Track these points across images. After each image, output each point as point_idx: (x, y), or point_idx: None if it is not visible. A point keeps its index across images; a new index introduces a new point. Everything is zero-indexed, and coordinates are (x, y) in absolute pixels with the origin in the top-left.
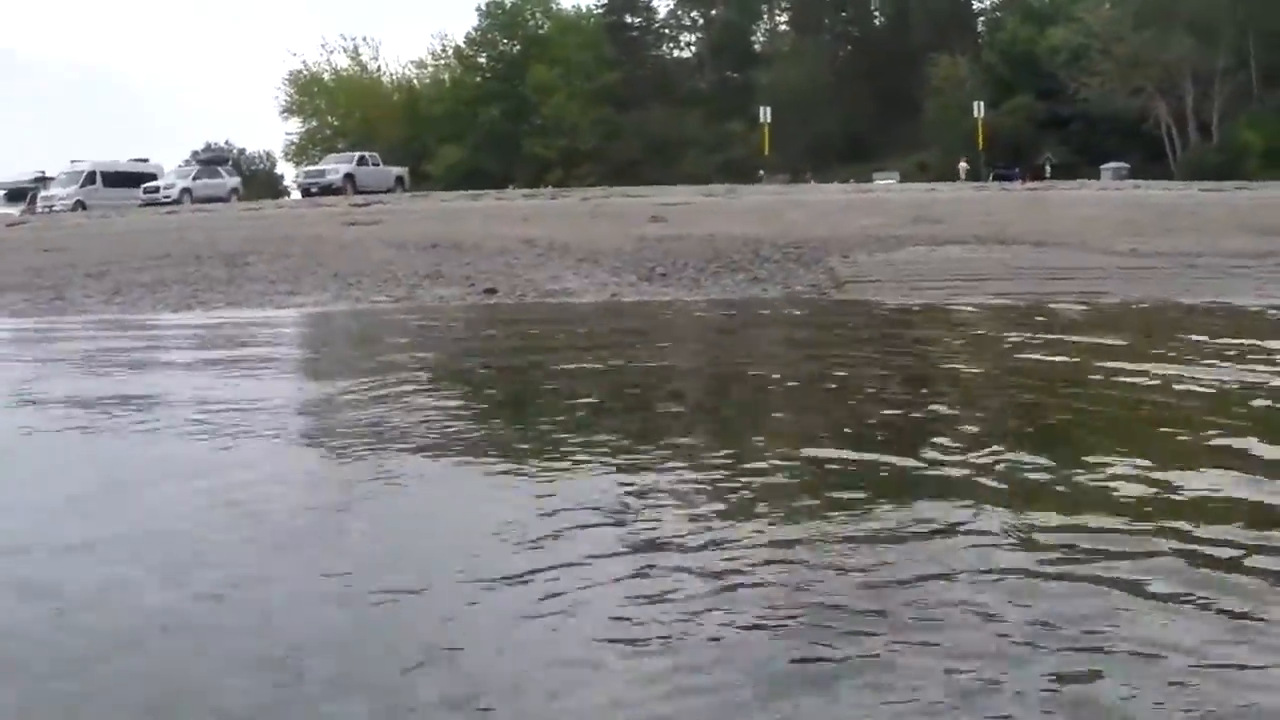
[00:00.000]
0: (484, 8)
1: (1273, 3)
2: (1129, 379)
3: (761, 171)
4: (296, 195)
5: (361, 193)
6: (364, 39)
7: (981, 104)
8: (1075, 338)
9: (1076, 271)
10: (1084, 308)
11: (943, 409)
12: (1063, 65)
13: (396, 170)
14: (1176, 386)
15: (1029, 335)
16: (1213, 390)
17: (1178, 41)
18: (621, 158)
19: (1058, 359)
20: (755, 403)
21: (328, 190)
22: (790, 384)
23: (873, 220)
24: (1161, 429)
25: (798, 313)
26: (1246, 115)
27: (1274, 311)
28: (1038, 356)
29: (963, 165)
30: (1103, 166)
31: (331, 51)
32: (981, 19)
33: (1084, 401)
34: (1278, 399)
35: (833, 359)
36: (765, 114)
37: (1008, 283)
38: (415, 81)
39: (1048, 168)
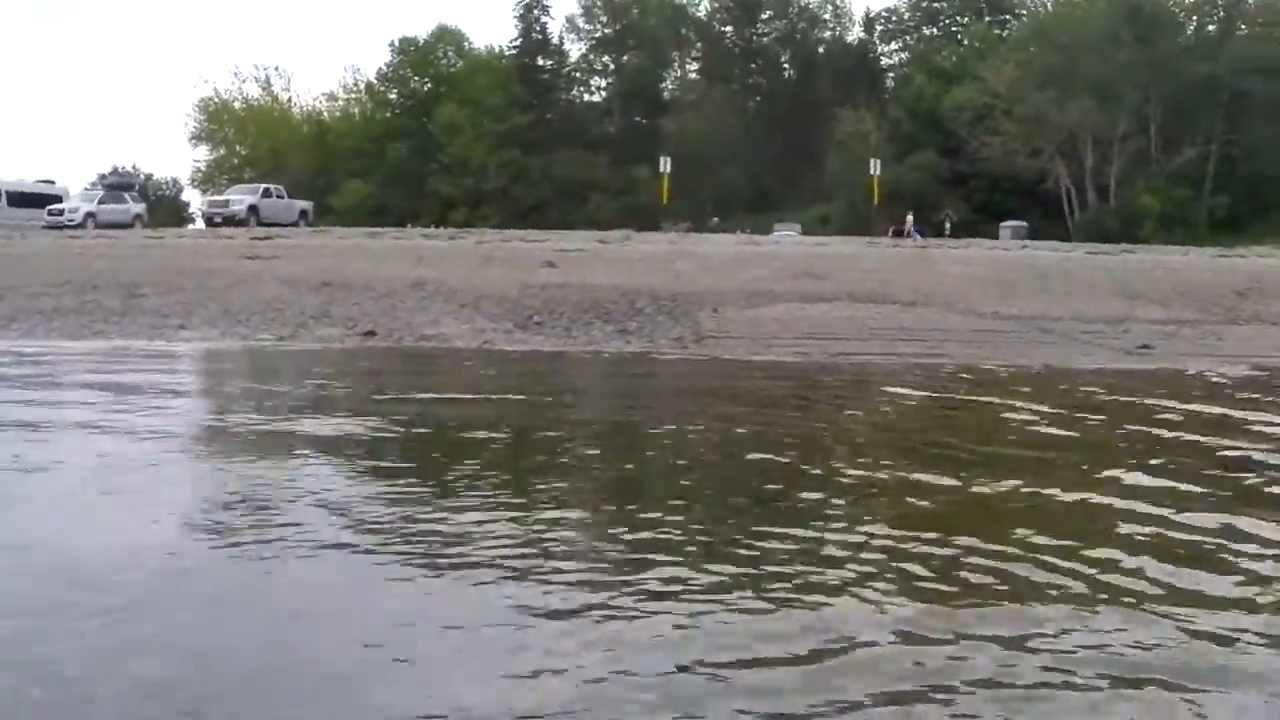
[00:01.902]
0: (396, 44)
1: (1174, 70)
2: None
3: (663, 223)
4: (201, 224)
5: (265, 225)
6: (276, 69)
7: (878, 162)
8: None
9: (930, 333)
10: (902, 370)
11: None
12: (966, 124)
13: (301, 204)
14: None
15: (827, 394)
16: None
17: (1079, 104)
18: (526, 200)
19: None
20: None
21: (231, 221)
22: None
23: (756, 274)
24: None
25: (636, 370)
26: (1144, 179)
27: (1088, 375)
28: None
29: (909, 218)
30: (1001, 225)
31: (244, 80)
32: (889, 74)
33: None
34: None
35: (643, 410)
36: (665, 164)
37: (858, 342)
38: (325, 114)
39: (948, 224)
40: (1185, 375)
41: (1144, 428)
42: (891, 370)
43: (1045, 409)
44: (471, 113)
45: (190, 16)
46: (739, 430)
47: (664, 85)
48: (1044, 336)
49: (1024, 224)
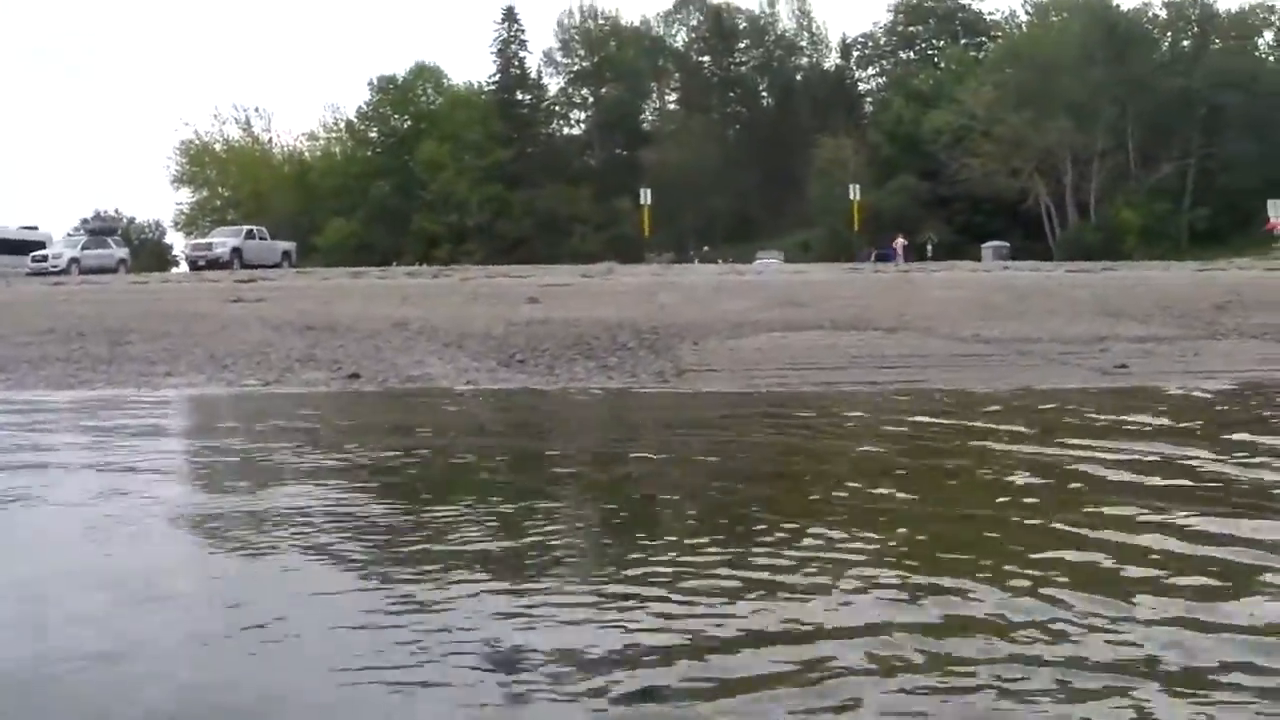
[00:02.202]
0: (375, 82)
1: (1149, 86)
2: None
3: (647, 254)
4: (184, 267)
5: (248, 267)
6: (256, 110)
7: (857, 187)
8: (823, 423)
9: (911, 359)
10: (878, 396)
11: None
12: (945, 146)
13: (283, 245)
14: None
15: (799, 422)
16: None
17: (1056, 124)
18: (510, 234)
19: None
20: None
21: (215, 264)
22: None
23: (739, 304)
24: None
25: (611, 405)
26: (1124, 195)
27: (1055, 397)
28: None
29: (900, 242)
30: (983, 246)
31: (224, 122)
32: (868, 99)
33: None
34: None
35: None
36: (645, 196)
37: (838, 371)
38: (306, 154)
39: (929, 247)
40: (1162, 393)
41: (1110, 444)
42: (867, 397)
43: (1016, 430)
44: (452, 149)
45: (170, 59)
46: (701, 459)
47: (643, 116)
48: (1023, 359)
49: (1006, 244)
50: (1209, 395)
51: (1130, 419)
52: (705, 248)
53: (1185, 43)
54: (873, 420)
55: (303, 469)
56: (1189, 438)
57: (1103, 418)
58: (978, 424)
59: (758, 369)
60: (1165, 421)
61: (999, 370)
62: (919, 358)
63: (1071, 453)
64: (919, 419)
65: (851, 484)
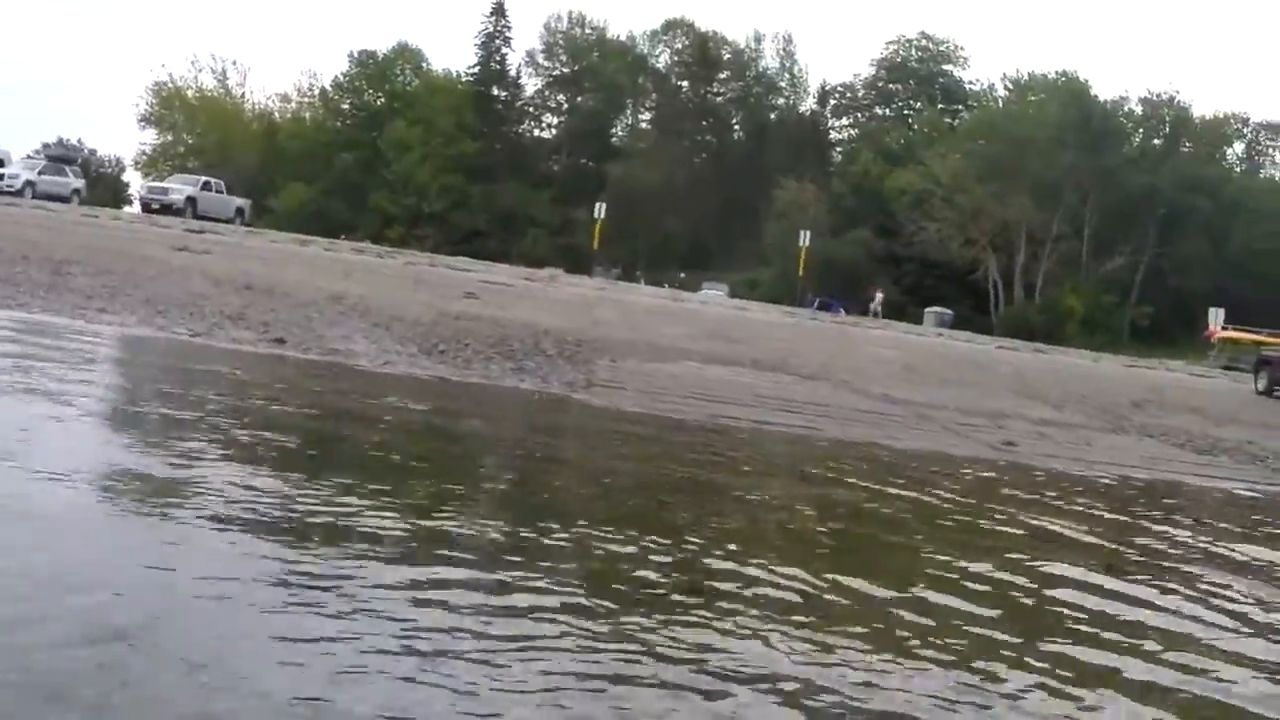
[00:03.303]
0: (355, 55)
1: (1115, 178)
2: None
3: (596, 267)
4: (137, 208)
5: (201, 218)
6: (234, 62)
7: (808, 234)
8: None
9: (815, 407)
10: (752, 436)
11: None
12: (905, 206)
13: (239, 201)
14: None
15: (659, 446)
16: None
17: (1018, 201)
18: (465, 226)
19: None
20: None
21: (168, 209)
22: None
23: (671, 330)
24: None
25: (508, 408)
26: (1072, 281)
27: (919, 457)
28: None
29: (879, 296)
30: (926, 310)
31: (200, 69)
32: (837, 149)
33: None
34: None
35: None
36: (599, 210)
37: (740, 407)
38: (277, 114)
39: (872, 304)
40: (1026, 469)
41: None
42: (741, 432)
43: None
44: (421, 133)
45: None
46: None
47: (614, 131)
48: (921, 423)
49: (949, 312)
50: (1071, 477)
51: (948, 484)
52: (683, 274)
53: (1156, 141)
54: (726, 452)
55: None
56: (989, 498)
57: (934, 477)
58: (813, 469)
59: (664, 394)
60: (984, 489)
61: (891, 430)
62: (823, 407)
63: (849, 494)
64: (768, 458)
65: (634, 501)
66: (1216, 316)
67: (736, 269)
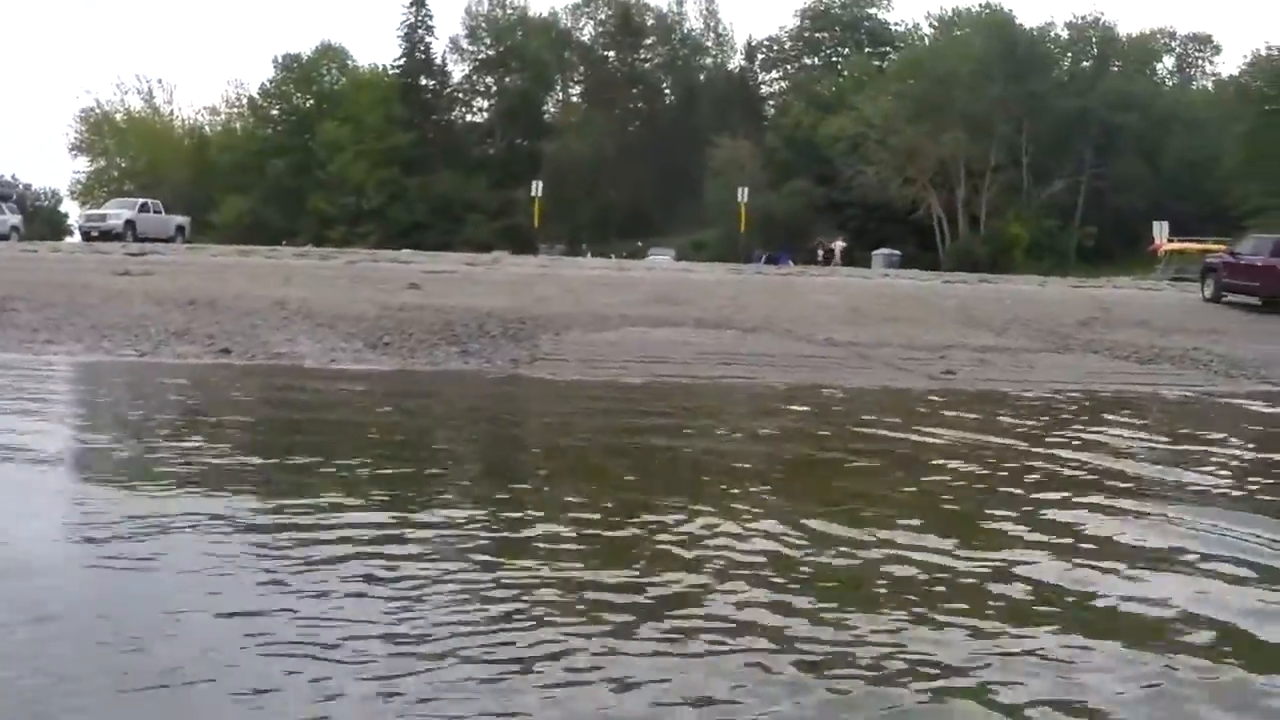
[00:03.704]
0: (279, 59)
1: (1046, 104)
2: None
3: (539, 245)
4: (78, 237)
5: (142, 240)
6: (159, 81)
7: (746, 190)
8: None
9: (757, 357)
10: (695, 387)
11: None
12: (841, 153)
13: (178, 219)
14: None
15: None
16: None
17: (952, 136)
18: (405, 219)
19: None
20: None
21: (108, 235)
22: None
23: (615, 299)
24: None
25: (452, 387)
26: (1015, 209)
27: (855, 393)
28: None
29: (839, 245)
30: (874, 253)
31: (126, 91)
32: (769, 103)
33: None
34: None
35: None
36: (536, 188)
37: (681, 365)
38: (207, 128)
39: (820, 252)
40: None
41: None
42: (672, 388)
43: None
44: (353, 131)
45: (73, 25)
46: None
47: (546, 108)
48: (863, 362)
49: (896, 253)
50: (1006, 399)
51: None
52: (639, 245)
53: (1085, 64)
54: (654, 405)
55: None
56: (912, 418)
57: (871, 410)
58: (741, 411)
59: (606, 360)
60: (921, 412)
61: (832, 371)
62: (765, 357)
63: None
64: (696, 405)
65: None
66: (1161, 230)
67: (682, 232)
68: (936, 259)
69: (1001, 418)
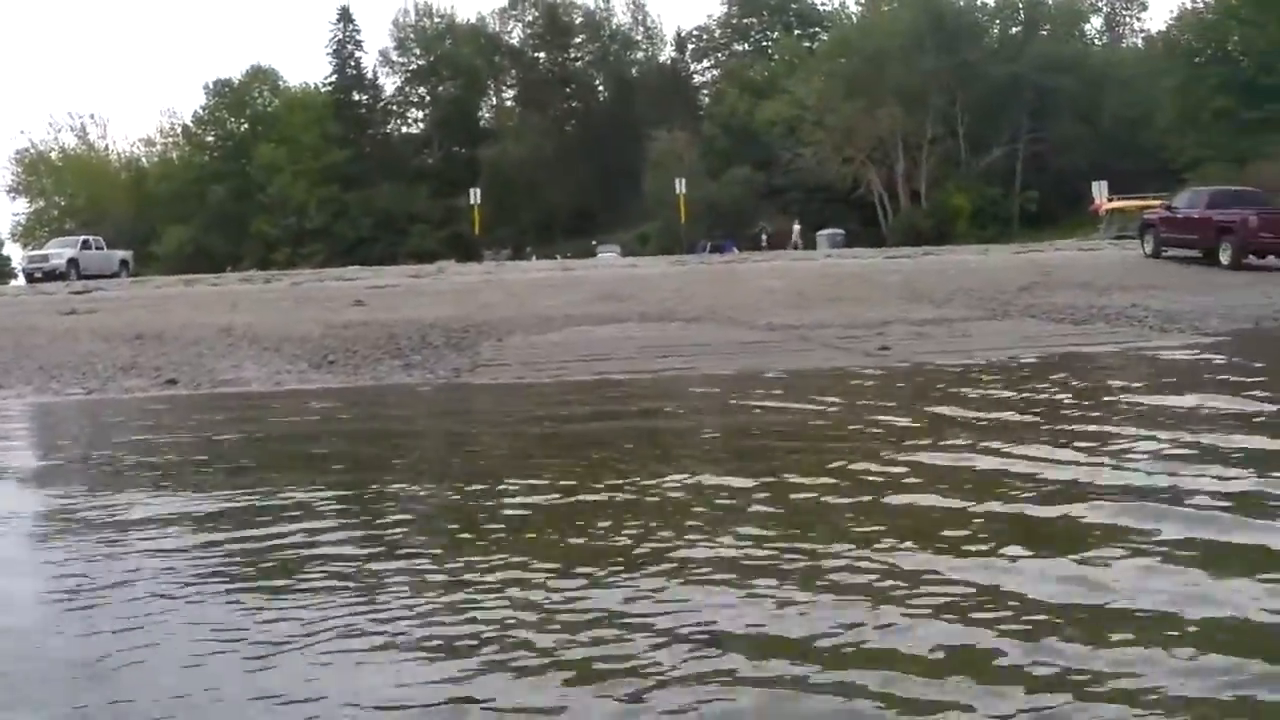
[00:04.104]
0: (210, 86)
1: (978, 73)
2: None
3: (484, 252)
4: (22, 280)
5: (86, 277)
6: (92, 116)
7: (683, 181)
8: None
9: (698, 347)
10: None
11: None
12: (779, 137)
13: (121, 254)
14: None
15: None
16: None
17: (887, 112)
18: (349, 235)
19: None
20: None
21: (52, 275)
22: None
23: (560, 299)
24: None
25: (389, 400)
26: (955, 180)
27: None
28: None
29: (796, 228)
30: (819, 234)
31: (59, 129)
32: (703, 92)
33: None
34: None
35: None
36: (475, 195)
37: (622, 361)
38: (144, 160)
39: (764, 237)
40: (850, 371)
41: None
42: (608, 384)
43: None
44: (289, 151)
45: (1, 66)
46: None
47: (481, 114)
48: (802, 344)
49: (841, 232)
50: (933, 375)
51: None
52: (596, 242)
53: (1014, 30)
54: (578, 399)
55: None
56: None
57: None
58: (660, 404)
59: (547, 362)
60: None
61: (771, 355)
62: (705, 346)
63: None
64: (620, 394)
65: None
66: (1100, 189)
67: (627, 228)
68: (880, 235)
69: (881, 385)
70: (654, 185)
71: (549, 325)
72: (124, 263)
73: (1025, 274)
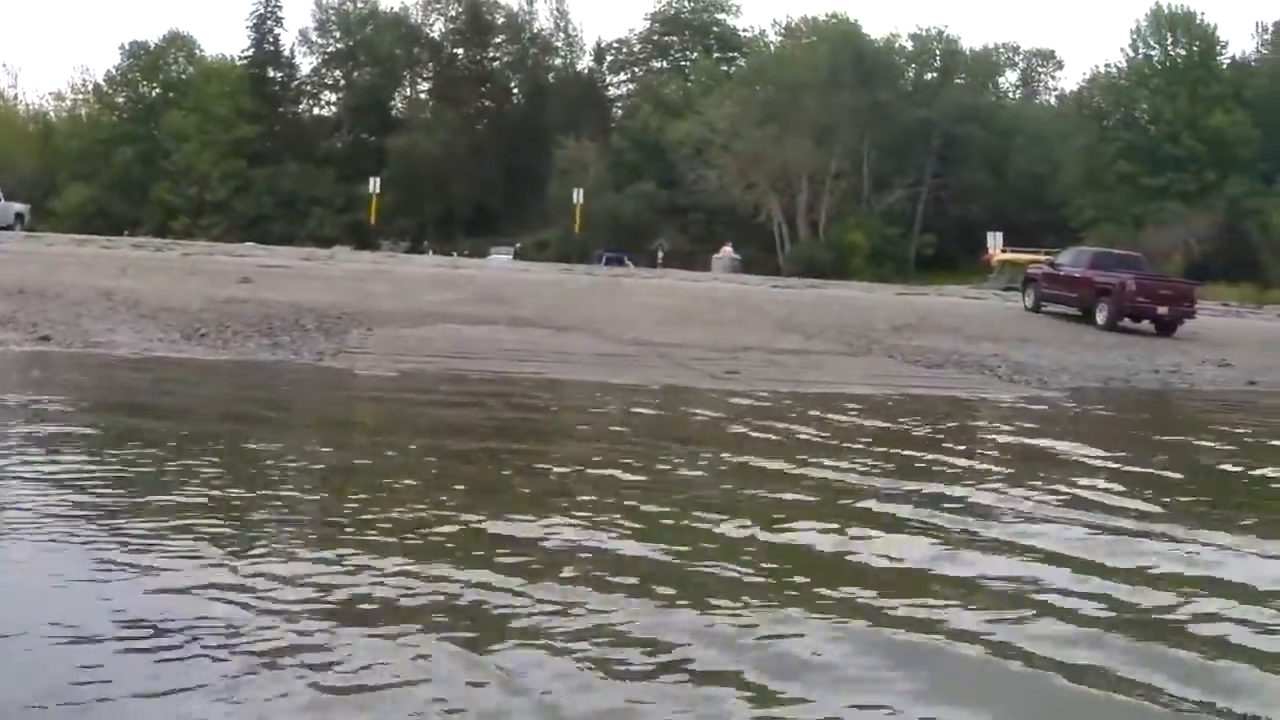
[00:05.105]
0: (126, 46)
1: (890, 113)
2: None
3: (382, 241)
4: None
5: None
6: (3, 64)
7: (581, 192)
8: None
9: (556, 354)
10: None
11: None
12: (685, 157)
13: (17, 206)
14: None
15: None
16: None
17: (796, 142)
18: (250, 212)
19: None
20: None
21: None
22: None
23: (443, 296)
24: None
25: (245, 375)
26: (855, 217)
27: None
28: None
29: (727, 249)
30: (714, 257)
31: None
32: (617, 105)
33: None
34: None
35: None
36: (374, 185)
37: (480, 360)
38: (52, 114)
39: (660, 253)
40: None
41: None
42: (454, 380)
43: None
44: (199, 121)
45: None
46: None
47: (394, 104)
48: (658, 361)
49: (738, 256)
50: (753, 400)
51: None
52: (513, 243)
53: (930, 75)
54: (414, 389)
55: None
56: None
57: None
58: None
59: (408, 354)
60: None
61: (619, 369)
62: (566, 355)
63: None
64: (452, 390)
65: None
66: (995, 240)
67: (527, 231)
68: (776, 262)
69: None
70: (558, 192)
71: (423, 320)
72: (19, 215)
73: (902, 315)
